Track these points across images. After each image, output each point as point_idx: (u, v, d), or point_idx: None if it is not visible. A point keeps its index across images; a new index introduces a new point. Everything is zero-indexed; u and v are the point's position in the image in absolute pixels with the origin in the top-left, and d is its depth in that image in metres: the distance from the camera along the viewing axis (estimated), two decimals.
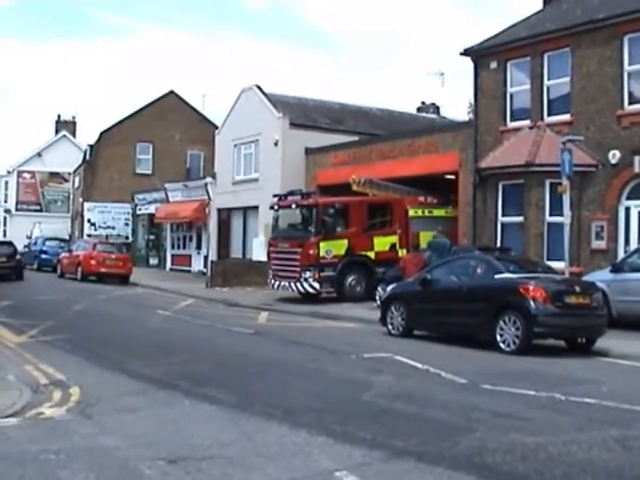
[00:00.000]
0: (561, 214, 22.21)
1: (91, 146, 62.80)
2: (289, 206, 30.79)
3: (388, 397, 11.79)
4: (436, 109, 52.07)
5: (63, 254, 45.49)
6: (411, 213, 30.83)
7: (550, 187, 24.69)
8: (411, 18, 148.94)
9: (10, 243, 43.68)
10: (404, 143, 33.09)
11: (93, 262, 40.84)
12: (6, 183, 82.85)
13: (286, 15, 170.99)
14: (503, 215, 26.65)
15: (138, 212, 56.18)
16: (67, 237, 62.17)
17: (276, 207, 31.63)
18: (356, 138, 38.34)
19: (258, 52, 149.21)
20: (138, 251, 56.10)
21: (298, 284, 29.49)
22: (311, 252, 29.15)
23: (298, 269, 29.45)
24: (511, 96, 27.61)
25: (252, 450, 8.64)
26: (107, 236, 55.36)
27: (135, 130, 60.82)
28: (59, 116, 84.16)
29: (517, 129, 26.89)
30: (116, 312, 25.29)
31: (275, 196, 32.19)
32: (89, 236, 54.78)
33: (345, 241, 29.48)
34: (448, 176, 30.75)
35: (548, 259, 23.89)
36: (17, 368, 13.82)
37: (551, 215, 24.81)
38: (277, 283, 30.70)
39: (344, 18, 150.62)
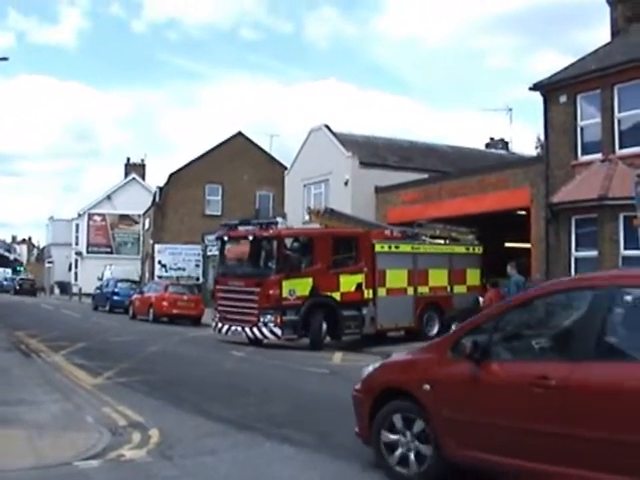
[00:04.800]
0: (636, 247, 21.82)
1: (160, 188, 63.47)
2: (244, 237, 28.04)
3: None
4: (505, 145, 51.77)
5: (135, 296, 45.86)
6: (377, 248, 28.60)
7: (624, 220, 24.31)
8: (475, 56, 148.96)
9: None
10: (474, 180, 32.90)
11: (165, 304, 41.12)
12: (77, 226, 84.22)
13: (349, 54, 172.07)
14: (577, 250, 26.29)
15: (208, 253, 56.44)
16: (137, 279, 62.76)
17: (226, 238, 29.03)
18: (425, 176, 38.24)
19: (325, 92, 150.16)
20: (209, 292, 56.24)
21: (255, 329, 26.43)
22: (272, 292, 26.01)
23: (256, 312, 26.27)
24: (582, 130, 27.31)
25: None
26: (178, 277, 55.69)
27: (204, 172, 61.37)
28: (128, 159, 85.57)
29: (589, 163, 26.58)
30: (190, 353, 25.32)
31: (224, 225, 29.90)
32: (160, 278, 55.23)
33: (310, 280, 26.50)
34: (520, 212, 30.41)
35: None
36: (95, 410, 13.86)
37: (626, 249, 24.42)
38: (226, 327, 27.62)
39: (412, 57, 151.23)
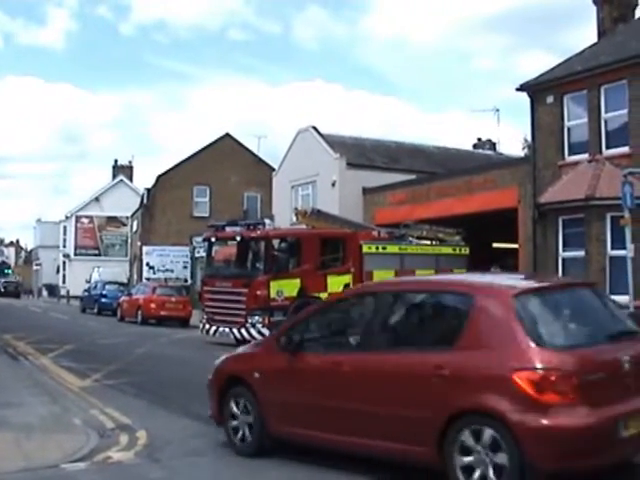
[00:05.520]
0: (623, 247, 21.91)
1: (148, 190, 63.31)
2: (231, 238, 27.93)
3: None
4: (492, 145, 51.80)
5: (123, 298, 45.75)
6: (365, 249, 28.52)
7: (611, 221, 24.38)
8: (462, 57, 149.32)
9: None
10: (462, 181, 32.96)
11: (153, 305, 41.02)
12: (65, 228, 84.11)
13: (336, 55, 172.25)
14: (564, 250, 26.35)
15: (196, 255, 56.34)
16: (126, 281, 62.68)
17: (213, 239, 28.84)
18: (413, 177, 38.25)
19: (312, 93, 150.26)
20: (197, 294, 56.16)
21: (243, 330, 26.02)
22: (259, 293, 25.82)
23: (243, 313, 26.06)
24: (568, 130, 27.40)
25: None
26: (166, 279, 55.57)
27: (192, 173, 61.26)
28: (116, 161, 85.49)
29: (575, 163, 26.66)
30: (178, 355, 25.26)
31: (211, 226, 29.71)
32: (148, 279, 55.07)
33: (297, 280, 26.27)
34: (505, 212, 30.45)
35: (611, 293, 23.42)
36: (82, 412, 13.84)
37: (613, 249, 24.50)
38: (213, 329, 27.40)
39: (399, 58, 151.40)
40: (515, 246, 30.18)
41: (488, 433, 7.93)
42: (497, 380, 8.00)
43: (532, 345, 7.98)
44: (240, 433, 10.60)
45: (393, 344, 9.49)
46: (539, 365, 7.83)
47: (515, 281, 9.84)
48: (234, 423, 10.72)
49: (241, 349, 11.92)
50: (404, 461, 8.87)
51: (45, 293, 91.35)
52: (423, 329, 9.58)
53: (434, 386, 8.41)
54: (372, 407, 9.00)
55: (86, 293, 56.11)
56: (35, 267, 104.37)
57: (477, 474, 7.97)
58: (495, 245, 35.95)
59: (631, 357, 8.37)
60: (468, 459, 8.06)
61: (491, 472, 7.87)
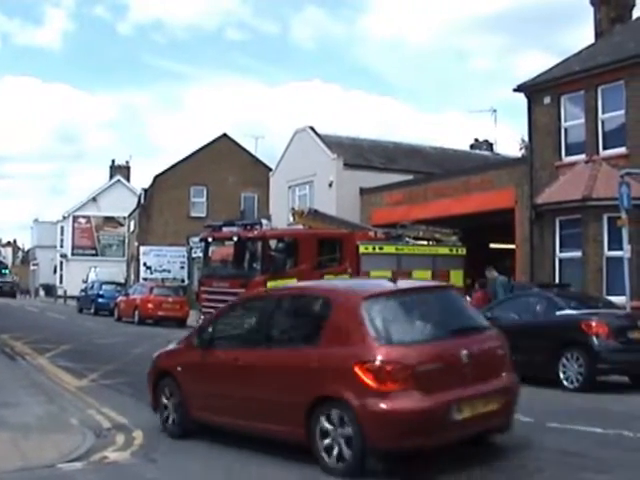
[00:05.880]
0: (620, 248, 21.94)
1: (145, 190, 63.28)
2: (228, 238, 27.69)
3: None
4: (489, 146, 51.78)
5: (120, 298, 45.67)
6: (362, 249, 28.30)
7: (608, 221, 24.37)
8: (459, 59, 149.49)
9: None
10: (459, 181, 32.92)
11: (150, 306, 40.98)
12: (62, 228, 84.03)
13: (334, 55, 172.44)
14: (561, 251, 26.36)
15: (193, 255, 56.27)
16: (123, 281, 62.66)
17: (210, 239, 28.62)
18: (410, 177, 38.23)
19: (309, 93, 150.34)
20: (194, 294, 56.08)
21: None
22: None
23: None
24: (566, 131, 27.40)
25: None
26: (163, 279, 55.55)
27: (189, 174, 61.21)
28: (113, 161, 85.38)
29: (572, 164, 26.66)
30: None
31: (208, 227, 29.58)
32: (145, 280, 55.01)
33: (294, 281, 24.68)
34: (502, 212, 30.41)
35: (608, 294, 23.53)
36: (79, 412, 13.87)
37: (610, 249, 24.49)
38: None
39: (396, 58, 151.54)
40: (512, 247, 30.16)
41: (338, 415, 9.39)
42: (345, 371, 9.38)
43: (374, 341, 9.40)
44: (170, 418, 12.14)
45: (274, 341, 11.07)
46: (378, 358, 9.19)
47: (372, 286, 11.36)
48: (165, 410, 12.29)
49: (170, 346, 13.41)
50: (288, 441, 10.22)
51: (42, 293, 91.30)
52: (297, 328, 11.16)
53: (303, 377, 9.95)
54: (261, 395, 10.50)
55: (83, 293, 56.03)
56: (32, 267, 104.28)
57: (335, 452, 9.43)
58: (492, 246, 35.93)
59: (470, 351, 9.67)
60: (327, 441, 9.52)
61: (344, 446, 9.33)
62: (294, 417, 9.87)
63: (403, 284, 10.91)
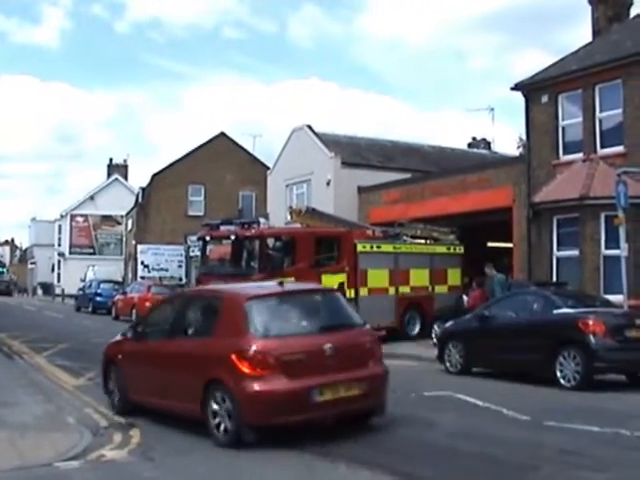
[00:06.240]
0: (617, 247, 21.91)
1: (143, 189, 63.26)
2: (226, 237, 27.58)
3: (451, 436, 11.69)
4: (487, 144, 51.73)
5: (118, 296, 45.72)
6: (359, 248, 28.25)
7: (605, 220, 24.36)
8: (457, 57, 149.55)
9: None
10: (456, 179, 32.84)
11: (148, 304, 40.89)
12: (59, 227, 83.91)
13: (332, 53, 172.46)
14: (558, 249, 26.32)
15: (191, 254, 56.22)
16: (120, 279, 62.62)
17: (207, 238, 28.51)
18: (408, 175, 38.16)
19: (307, 92, 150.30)
20: None
21: None
22: None
23: None
24: (563, 129, 27.36)
25: None
26: (161, 278, 55.54)
27: (187, 172, 61.12)
28: (111, 160, 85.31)
29: (570, 162, 26.62)
30: None
31: (205, 225, 29.60)
32: (142, 278, 55.00)
33: (292, 279, 24.55)
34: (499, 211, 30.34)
35: (605, 292, 23.53)
36: (76, 411, 13.93)
37: (607, 248, 24.45)
38: None
39: (394, 57, 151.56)
40: (510, 245, 30.11)
41: (221, 395, 11.31)
42: (226, 359, 11.27)
43: (250, 334, 11.36)
44: (116, 400, 14.19)
45: (183, 333, 13.14)
46: (251, 348, 11.13)
47: (258, 289, 13.28)
48: (111, 394, 14.42)
49: (118, 337, 15.14)
50: (194, 419, 11.86)
51: (40, 292, 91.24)
52: (201, 323, 13.28)
53: (201, 362, 11.93)
54: (175, 378, 12.37)
55: (81, 292, 56.01)
56: (30, 266, 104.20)
57: (222, 427, 11.28)
58: (489, 244, 35.90)
59: (334, 344, 11.42)
60: (218, 420, 11.37)
61: (227, 420, 11.21)
62: (196, 396, 11.61)
63: (289, 287, 12.83)
